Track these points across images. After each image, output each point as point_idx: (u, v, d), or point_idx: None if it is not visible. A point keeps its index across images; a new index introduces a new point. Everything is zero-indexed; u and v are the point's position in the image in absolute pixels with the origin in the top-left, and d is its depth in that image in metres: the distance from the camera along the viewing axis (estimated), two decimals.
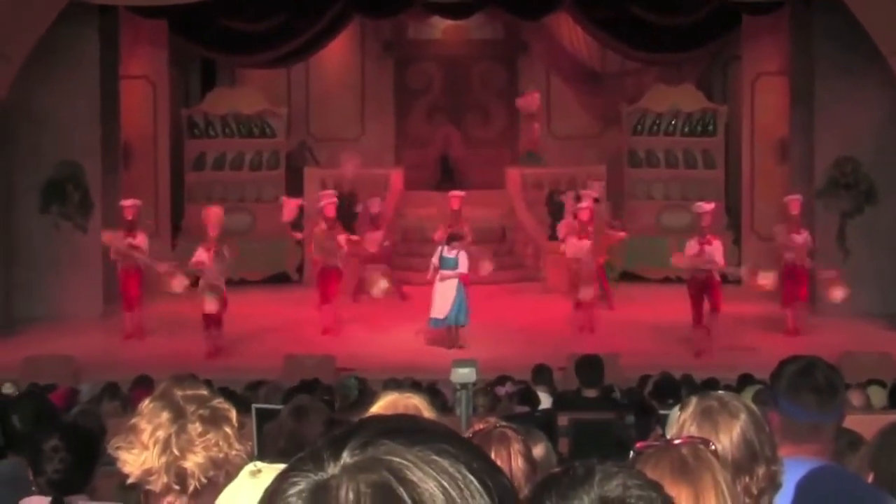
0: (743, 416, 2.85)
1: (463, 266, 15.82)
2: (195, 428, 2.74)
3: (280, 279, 20.33)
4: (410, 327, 16.48)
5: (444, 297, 15.70)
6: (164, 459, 2.72)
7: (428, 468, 1.17)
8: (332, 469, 1.18)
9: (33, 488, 4.02)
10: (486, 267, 17.10)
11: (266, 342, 15.98)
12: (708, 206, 16.11)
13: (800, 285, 16.37)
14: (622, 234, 17.96)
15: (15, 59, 16.55)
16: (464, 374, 5.99)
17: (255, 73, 22.48)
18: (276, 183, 20.96)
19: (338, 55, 22.55)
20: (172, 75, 20.78)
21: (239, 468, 2.50)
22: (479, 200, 19.49)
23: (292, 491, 1.18)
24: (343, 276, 16.84)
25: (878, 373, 12.07)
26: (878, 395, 10.17)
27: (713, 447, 2.49)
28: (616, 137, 21.97)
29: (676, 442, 2.47)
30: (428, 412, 3.30)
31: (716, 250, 15.64)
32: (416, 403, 3.35)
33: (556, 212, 19.28)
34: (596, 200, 17.75)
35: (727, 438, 2.80)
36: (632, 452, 2.43)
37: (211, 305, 15.34)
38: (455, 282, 15.69)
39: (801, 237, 16.15)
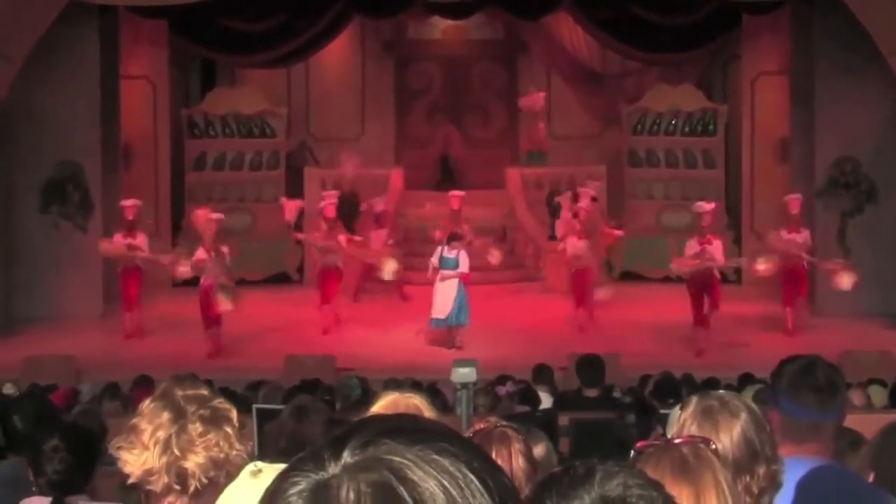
0: (743, 415, 2.85)
1: (463, 266, 15.80)
2: (196, 428, 2.74)
3: (280, 279, 20.31)
4: (411, 327, 16.48)
5: (444, 297, 15.69)
6: (164, 459, 2.71)
7: (428, 467, 1.16)
8: (333, 468, 1.18)
9: (34, 489, 4.02)
10: (496, 255, 17.09)
11: (266, 342, 15.97)
12: (708, 206, 16.11)
13: (800, 285, 16.37)
14: (620, 232, 17.96)
15: (15, 59, 16.55)
16: (464, 374, 6.00)
17: (255, 73, 22.46)
18: (276, 183, 20.94)
19: (338, 55, 22.54)
20: (172, 75, 20.77)
21: (240, 468, 2.50)
22: (479, 200, 19.48)
23: (293, 490, 1.18)
24: (343, 276, 16.84)
25: (878, 372, 12.06)
26: (878, 395, 10.17)
27: (714, 446, 2.49)
28: (616, 137, 21.97)
29: (677, 441, 2.46)
30: (428, 412, 3.30)
31: (716, 250, 15.65)
32: (416, 403, 3.35)
33: (556, 212, 19.28)
34: (594, 199, 17.75)
35: (728, 438, 2.80)
36: (632, 452, 2.43)
37: (225, 305, 15.18)
38: (455, 282, 15.69)
39: (801, 237, 16.14)
